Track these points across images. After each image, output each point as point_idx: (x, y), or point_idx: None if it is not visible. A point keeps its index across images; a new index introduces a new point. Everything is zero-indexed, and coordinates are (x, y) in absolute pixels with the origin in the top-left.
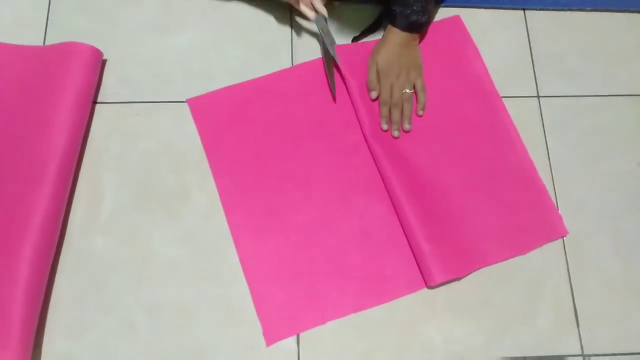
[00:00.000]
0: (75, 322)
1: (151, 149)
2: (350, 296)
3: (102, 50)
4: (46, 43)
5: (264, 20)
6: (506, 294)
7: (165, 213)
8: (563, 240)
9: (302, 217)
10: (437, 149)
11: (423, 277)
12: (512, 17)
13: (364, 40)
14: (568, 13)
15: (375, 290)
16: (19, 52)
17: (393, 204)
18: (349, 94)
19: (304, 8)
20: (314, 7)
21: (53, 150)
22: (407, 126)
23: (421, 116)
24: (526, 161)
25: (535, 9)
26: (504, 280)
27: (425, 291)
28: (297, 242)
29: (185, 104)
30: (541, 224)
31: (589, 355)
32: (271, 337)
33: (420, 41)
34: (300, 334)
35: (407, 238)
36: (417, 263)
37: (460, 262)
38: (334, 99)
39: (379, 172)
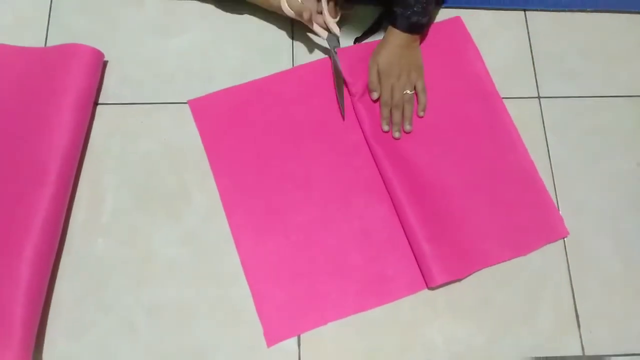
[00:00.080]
0: (75, 322)
1: (152, 150)
2: (350, 297)
3: (103, 51)
4: (47, 44)
5: (264, 21)
6: (507, 294)
7: (165, 213)
8: (564, 240)
9: (303, 218)
10: (438, 150)
11: (424, 278)
12: (512, 18)
13: (365, 41)
14: (568, 14)
15: (376, 291)
16: (20, 54)
17: (394, 204)
18: (350, 95)
19: (317, 28)
20: (327, 26)
21: (54, 151)
22: (407, 127)
23: (422, 117)
24: (527, 162)
25: (536, 10)
26: (504, 281)
27: (426, 292)
28: (297, 243)
29: (186, 104)
30: (542, 224)
31: (590, 356)
32: (272, 337)
33: (421, 42)
34: (301, 335)
35: (407, 239)
36: (417, 264)
37: (461, 263)
38: (343, 117)
39: (380, 172)
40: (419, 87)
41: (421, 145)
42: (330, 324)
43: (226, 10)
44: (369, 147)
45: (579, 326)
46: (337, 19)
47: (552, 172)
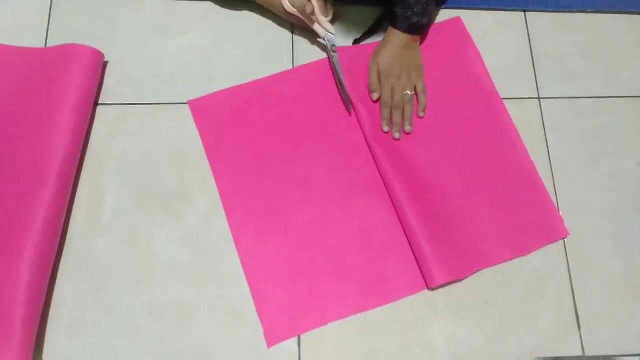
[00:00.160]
0: (76, 322)
1: (152, 150)
2: (351, 297)
3: (103, 51)
4: (47, 44)
5: (264, 21)
6: (507, 294)
7: (166, 214)
8: (564, 240)
9: (303, 218)
10: (438, 150)
11: (424, 278)
12: (512, 18)
13: (365, 42)
14: (568, 14)
15: (376, 291)
16: (20, 54)
17: (394, 205)
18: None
19: (316, 27)
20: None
21: (54, 151)
22: (407, 128)
23: (422, 117)
24: (527, 162)
25: (536, 11)
26: (504, 281)
27: (426, 292)
28: (297, 243)
29: (186, 105)
30: (542, 225)
31: (590, 356)
32: (272, 338)
33: (420, 42)
34: (301, 335)
35: (407, 239)
36: (417, 264)
37: (461, 263)
38: (350, 112)
39: (380, 173)
40: (419, 87)
41: (421, 145)
42: (330, 324)
43: (224, 7)
44: (369, 148)
45: (579, 326)
46: (329, 17)
47: (552, 172)
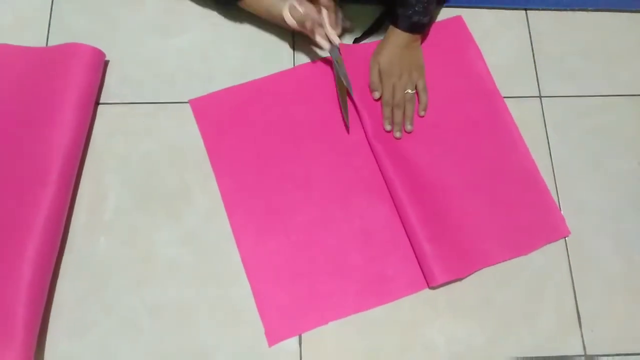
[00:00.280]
0: (77, 322)
1: (152, 150)
2: (351, 297)
3: (104, 51)
4: (48, 44)
5: (265, 21)
6: (508, 294)
7: (167, 213)
8: (565, 240)
9: (303, 217)
10: (439, 150)
11: (425, 278)
12: (514, 17)
13: (366, 41)
14: (570, 13)
15: (377, 291)
16: (21, 53)
17: (395, 204)
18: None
19: (319, 39)
20: (328, 38)
21: (55, 151)
22: (409, 127)
23: (423, 117)
24: (528, 161)
25: (537, 9)
26: (505, 281)
27: (426, 291)
28: (298, 242)
29: (187, 104)
30: (543, 224)
31: (592, 356)
32: (273, 337)
33: (422, 41)
34: (302, 335)
35: (408, 238)
36: (418, 263)
37: (462, 263)
38: (347, 130)
39: (381, 172)
40: (420, 86)
41: (422, 144)
42: (331, 324)
43: (226, 14)
44: (370, 147)
45: (580, 326)
46: (339, 32)
47: (554, 171)
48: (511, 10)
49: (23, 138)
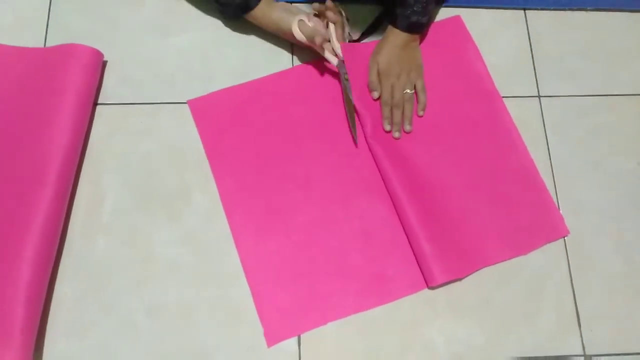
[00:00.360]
0: (76, 322)
1: (152, 150)
2: (351, 297)
3: (103, 51)
4: (47, 44)
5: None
6: (507, 294)
7: (166, 214)
8: (564, 240)
9: (303, 218)
10: (438, 150)
11: (424, 278)
12: (512, 17)
13: (364, 41)
14: (569, 13)
15: (377, 291)
16: (19, 54)
17: (394, 204)
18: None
19: (328, 55)
20: (335, 52)
21: (54, 151)
22: (407, 127)
23: (421, 116)
24: (527, 161)
25: (536, 9)
26: (505, 281)
27: (426, 292)
28: (297, 243)
29: (186, 104)
30: (542, 224)
31: (591, 356)
32: (272, 338)
33: (420, 41)
34: (302, 335)
35: (408, 238)
36: (418, 263)
37: (462, 263)
38: (356, 143)
39: (380, 172)
40: (419, 86)
41: (421, 144)
42: (330, 324)
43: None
44: (369, 147)
45: (580, 326)
46: None
47: (553, 171)
48: (510, 10)
49: (21, 138)
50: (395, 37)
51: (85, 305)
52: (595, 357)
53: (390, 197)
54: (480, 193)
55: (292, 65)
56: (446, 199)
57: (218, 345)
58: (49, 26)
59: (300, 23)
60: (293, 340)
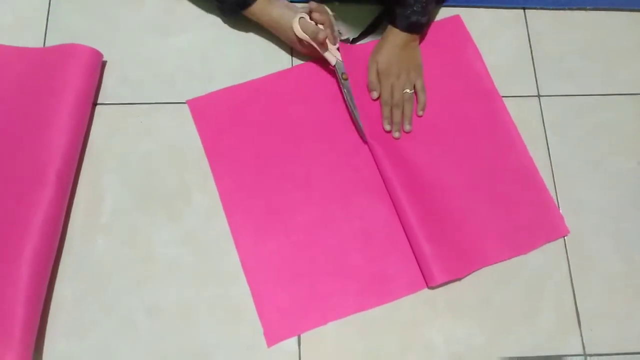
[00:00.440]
0: (76, 322)
1: (151, 150)
2: (351, 297)
3: (102, 51)
4: (46, 44)
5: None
6: (507, 294)
7: (165, 214)
8: (564, 239)
9: (303, 217)
10: (438, 149)
11: (424, 278)
12: (512, 16)
13: (364, 40)
14: (568, 12)
15: (376, 291)
16: (19, 54)
17: (394, 204)
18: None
19: (328, 54)
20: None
21: (53, 151)
22: (407, 127)
23: (421, 116)
24: (527, 161)
25: (536, 9)
26: (504, 280)
27: (426, 291)
28: (297, 243)
29: (186, 104)
30: (542, 223)
31: (591, 355)
32: (272, 337)
33: (420, 41)
34: (302, 335)
35: (407, 238)
36: (417, 263)
37: (461, 262)
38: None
39: (380, 172)
40: (418, 86)
41: (421, 144)
42: (330, 324)
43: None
44: (369, 147)
45: (580, 325)
46: (337, 45)
47: (552, 170)
48: (509, 10)
49: (21, 139)
50: (395, 36)
51: (85, 305)
52: (596, 357)
53: (390, 197)
54: (480, 193)
55: (292, 65)
56: (446, 198)
57: (218, 344)
58: (48, 26)
59: (302, 20)
60: (293, 340)
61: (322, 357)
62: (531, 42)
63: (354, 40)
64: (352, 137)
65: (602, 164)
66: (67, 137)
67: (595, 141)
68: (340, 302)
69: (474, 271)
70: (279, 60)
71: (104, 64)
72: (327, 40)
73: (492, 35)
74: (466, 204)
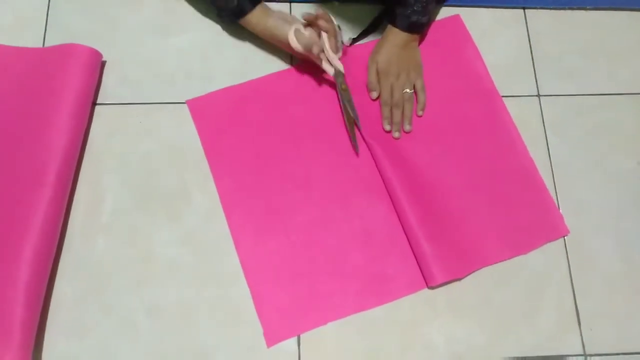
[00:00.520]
0: (76, 323)
1: (151, 150)
2: (351, 297)
3: (102, 51)
4: (46, 44)
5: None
6: (507, 293)
7: (165, 214)
8: (564, 239)
9: (303, 217)
10: (437, 149)
11: (424, 278)
12: (512, 16)
13: (364, 40)
14: (568, 12)
15: (376, 291)
16: (18, 54)
17: (393, 204)
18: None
19: (325, 65)
20: (330, 62)
21: (53, 151)
22: (407, 127)
23: (421, 116)
24: (527, 160)
25: (536, 8)
26: (505, 280)
27: (426, 291)
28: (297, 243)
29: (186, 104)
30: (542, 223)
31: (591, 355)
32: (272, 338)
33: (420, 41)
34: (301, 335)
35: (407, 238)
36: (417, 263)
37: (461, 262)
38: (357, 153)
39: (379, 172)
40: (418, 86)
41: (421, 144)
42: (330, 324)
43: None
44: (368, 147)
45: (580, 325)
46: (339, 54)
47: (552, 170)
48: (509, 9)
49: (21, 138)
50: (394, 36)
51: (85, 305)
52: (596, 357)
53: (390, 197)
54: (479, 193)
55: (292, 65)
56: (446, 198)
57: (218, 345)
58: (48, 26)
59: (297, 32)
60: (293, 340)
61: (322, 357)
62: (531, 42)
63: (354, 40)
64: None
65: (602, 163)
66: (66, 137)
67: (595, 141)
68: (340, 302)
69: (474, 271)
70: (279, 60)
71: (103, 64)
72: (328, 49)
73: (492, 35)
74: (466, 204)
